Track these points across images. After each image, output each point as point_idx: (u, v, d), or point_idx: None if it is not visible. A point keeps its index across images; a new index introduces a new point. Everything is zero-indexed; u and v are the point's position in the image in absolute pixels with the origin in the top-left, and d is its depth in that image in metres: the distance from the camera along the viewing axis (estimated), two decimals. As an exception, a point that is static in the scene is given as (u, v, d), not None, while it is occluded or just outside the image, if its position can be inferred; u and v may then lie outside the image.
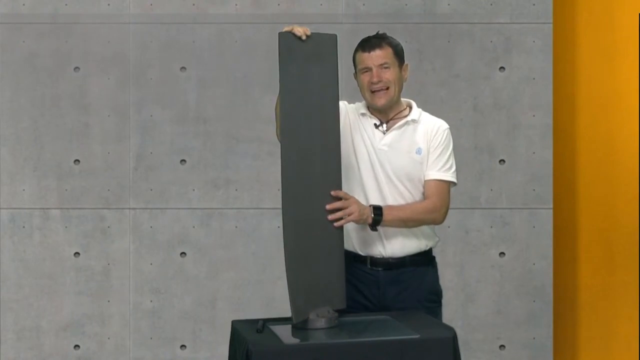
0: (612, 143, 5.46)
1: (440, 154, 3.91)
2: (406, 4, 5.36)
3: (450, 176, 3.92)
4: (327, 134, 3.75)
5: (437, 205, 3.87)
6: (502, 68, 5.38)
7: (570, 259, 5.48)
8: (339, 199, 3.72)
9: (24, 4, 5.33)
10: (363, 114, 3.95)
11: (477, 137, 5.37)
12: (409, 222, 3.85)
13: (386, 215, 3.79)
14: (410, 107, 3.98)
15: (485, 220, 5.38)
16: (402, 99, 3.98)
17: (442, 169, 3.90)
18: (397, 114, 3.94)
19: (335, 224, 3.70)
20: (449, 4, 5.36)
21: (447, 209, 3.91)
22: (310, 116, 3.71)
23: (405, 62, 3.94)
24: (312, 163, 3.68)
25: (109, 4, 5.35)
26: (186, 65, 5.38)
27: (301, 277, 3.57)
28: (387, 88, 3.87)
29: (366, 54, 3.87)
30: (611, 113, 5.45)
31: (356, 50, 3.92)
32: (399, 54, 3.91)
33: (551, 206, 5.36)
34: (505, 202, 5.38)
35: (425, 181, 3.90)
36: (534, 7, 5.35)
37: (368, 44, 3.90)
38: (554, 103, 5.37)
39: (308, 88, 3.72)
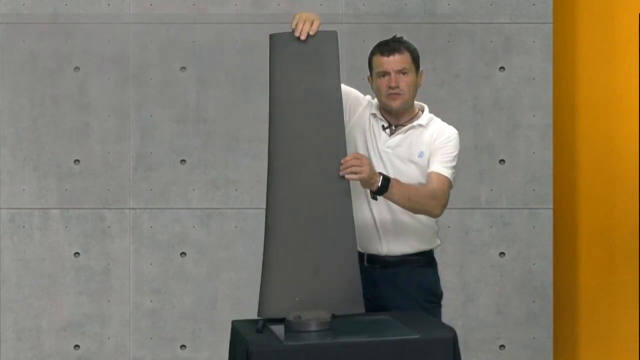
0: (612, 143, 5.46)
1: (446, 152, 3.86)
2: (406, 4, 5.36)
3: (449, 173, 3.85)
4: (331, 142, 3.62)
5: (438, 194, 3.78)
6: (502, 68, 5.37)
7: (570, 259, 5.48)
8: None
9: (24, 4, 5.33)
10: (374, 115, 3.91)
11: (477, 137, 5.37)
12: (412, 201, 3.73)
13: (393, 187, 3.67)
14: (422, 111, 3.94)
15: (485, 220, 5.38)
16: (415, 102, 3.93)
17: (443, 164, 3.84)
18: (408, 119, 3.90)
19: (347, 177, 3.60)
20: (449, 4, 5.36)
21: (446, 203, 3.84)
22: (308, 124, 3.59)
23: (421, 69, 3.89)
24: (310, 170, 3.60)
25: (109, 4, 5.35)
26: (186, 65, 5.37)
27: (279, 273, 3.56)
28: (403, 93, 3.82)
29: (385, 58, 3.81)
30: (611, 113, 5.45)
31: (373, 53, 3.86)
32: (416, 60, 3.85)
33: (551, 206, 5.36)
34: (505, 202, 5.37)
35: (428, 172, 3.84)
36: (534, 7, 5.35)
37: (387, 47, 3.83)
38: (554, 103, 5.37)
39: (306, 94, 3.58)
